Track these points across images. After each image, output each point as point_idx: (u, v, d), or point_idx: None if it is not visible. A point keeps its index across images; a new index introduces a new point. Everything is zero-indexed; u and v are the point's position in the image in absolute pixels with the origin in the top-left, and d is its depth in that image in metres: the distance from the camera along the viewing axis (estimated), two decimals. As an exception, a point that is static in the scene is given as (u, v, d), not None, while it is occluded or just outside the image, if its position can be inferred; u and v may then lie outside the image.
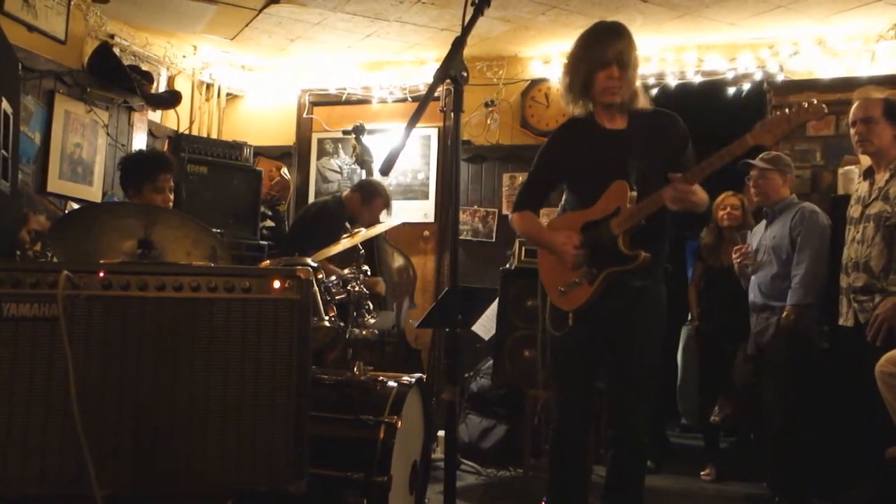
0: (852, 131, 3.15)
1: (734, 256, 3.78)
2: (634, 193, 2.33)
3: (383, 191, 4.35)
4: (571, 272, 2.42)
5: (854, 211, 3.20)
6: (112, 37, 4.65)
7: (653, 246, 2.35)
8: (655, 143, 2.38)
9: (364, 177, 4.97)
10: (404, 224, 4.91)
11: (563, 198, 2.76)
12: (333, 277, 3.04)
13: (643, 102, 2.44)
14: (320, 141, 5.71)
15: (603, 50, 2.34)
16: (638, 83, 2.43)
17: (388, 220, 4.26)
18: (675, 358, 4.81)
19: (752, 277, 3.72)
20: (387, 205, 4.39)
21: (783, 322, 3.48)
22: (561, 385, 2.54)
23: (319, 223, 4.18)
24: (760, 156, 3.67)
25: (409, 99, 5.39)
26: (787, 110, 2.18)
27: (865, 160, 3.31)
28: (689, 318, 4.56)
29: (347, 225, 3.50)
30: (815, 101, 2.15)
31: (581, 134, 2.52)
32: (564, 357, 2.51)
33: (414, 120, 1.85)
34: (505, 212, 5.14)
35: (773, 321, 3.56)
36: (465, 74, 1.86)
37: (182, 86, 5.29)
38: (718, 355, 4.20)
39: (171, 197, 3.02)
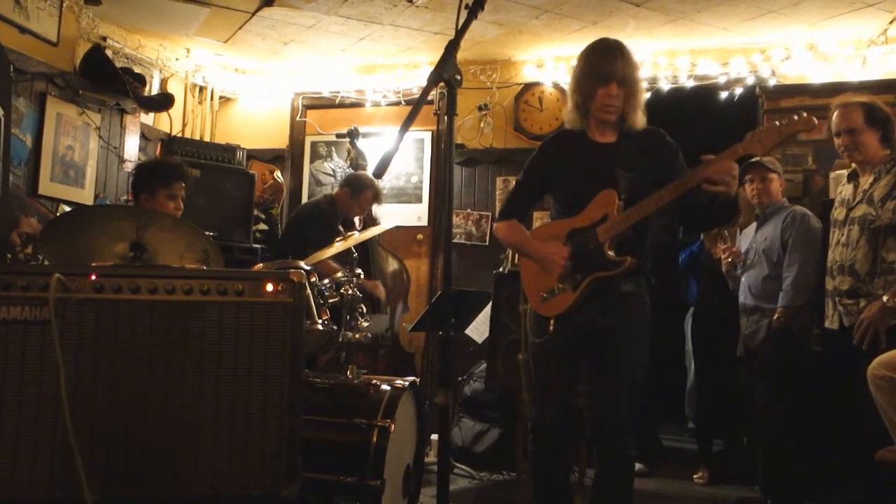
0: (837, 141, 3.13)
1: (723, 255, 3.79)
2: (622, 203, 2.36)
3: (371, 182, 4.33)
4: (555, 279, 2.43)
5: (838, 213, 3.20)
6: (104, 39, 4.63)
7: (637, 253, 2.38)
8: (644, 156, 2.41)
9: None
10: (398, 227, 4.90)
11: (552, 207, 2.77)
12: (327, 280, 3.03)
13: (640, 122, 2.47)
14: (313, 144, 5.70)
15: (604, 67, 2.38)
16: (640, 110, 2.46)
17: (381, 224, 4.26)
18: (683, 361, 4.78)
19: (742, 279, 3.72)
20: (376, 196, 4.38)
21: (775, 324, 3.49)
22: (539, 392, 2.54)
23: (312, 224, 4.17)
24: (756, 159, 3.69)
25: (403, 102, 5.38)
26: (777, 122, 2.20)
27: (856, 163, 3.32)
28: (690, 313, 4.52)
29: (341, 228, 3.50)
30: (806, 115, 2.18)
31: (570, 146, 2.54)
32: (543, 363, 2.51)
33: (407, 123, 1.86)
34: (498, 215, 5.14)
35: (764, 323, 3.57)
36: (459, 78, 1.87)
37: (175, 88, 5.27)
38: (717, 356, 4.19)
39: (182, 206, 3.08)
